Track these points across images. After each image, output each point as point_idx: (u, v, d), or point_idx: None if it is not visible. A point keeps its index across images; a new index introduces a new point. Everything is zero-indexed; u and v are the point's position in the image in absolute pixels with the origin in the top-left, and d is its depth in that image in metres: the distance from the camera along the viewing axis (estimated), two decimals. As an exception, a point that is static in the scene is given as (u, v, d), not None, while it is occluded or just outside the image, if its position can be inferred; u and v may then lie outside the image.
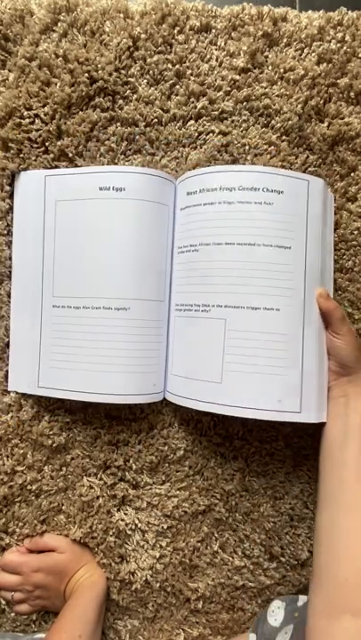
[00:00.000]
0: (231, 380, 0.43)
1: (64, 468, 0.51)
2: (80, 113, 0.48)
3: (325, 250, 0.46)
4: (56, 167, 0.48)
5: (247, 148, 0.49)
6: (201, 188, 0.45)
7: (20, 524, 0.51)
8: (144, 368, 0.46)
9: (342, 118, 0.50)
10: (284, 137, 0.50)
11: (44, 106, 0.48)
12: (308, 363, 0.43)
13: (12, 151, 0.48)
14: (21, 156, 0.48)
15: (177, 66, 0.48)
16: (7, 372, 0.49)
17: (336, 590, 0.34)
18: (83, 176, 0.46)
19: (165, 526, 0.51)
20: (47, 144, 0.48)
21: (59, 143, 0.48)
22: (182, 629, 0.54)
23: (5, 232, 0.49)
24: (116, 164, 0.49)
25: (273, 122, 0.49)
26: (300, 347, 0.43)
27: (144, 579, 0.51)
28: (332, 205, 0.48)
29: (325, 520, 0.39)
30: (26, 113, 0.48)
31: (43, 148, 0.48)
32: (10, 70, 0.48)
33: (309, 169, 0.50)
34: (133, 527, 0.51)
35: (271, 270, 0.43)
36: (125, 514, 0.51)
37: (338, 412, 0.42)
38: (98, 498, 0.51)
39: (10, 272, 0.49)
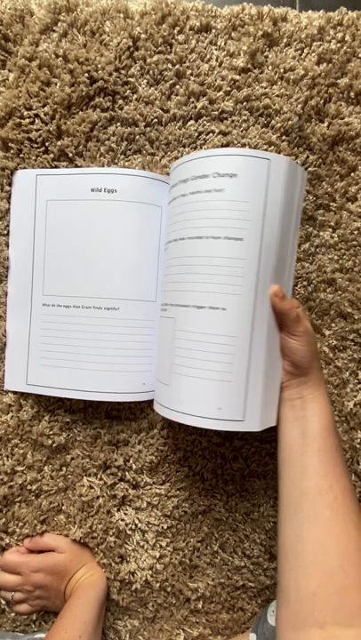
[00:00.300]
0: (175, 383, 0.41)
1: (64, 468, 0.51)
2: (80, 113, 0.48)
3: (286, 242, 0.40)
4: (56, 167, 0.48)
5: (247, 147, 0.49)
6: (172, 184, 0.44)
7: (20, 523, 0.51)
8: (133, 367, 0.46)
9: (342, 118, 0.50)
10: (284, 137, 0.50)
11: (44, 106, 0.48)
12: (256, 368, 0.39)
13: (11, 151, 0.48)
14: (21, 155, 0.48)
15: (177, 66, 0.48)
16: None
17: (303, 604, 0.33)
18: (75, 177, 0.47)
19: (165, 526, 0.51)
20: (47, 144, 0.48)
21: (59, 143, 0.48)
22: (182, 629, 0.54)
23: (5, 232, 0.49)
24: (116, 164, 0.49)
25: (273, 122, 0.49)
26: (246, 350, 0.39)
27: (144, 579, 0.51)
28: (302, 189, 0.42)
29: (289, 533, 0.37)
30: (26, 113, 0.48)
31: (43, 148, 0.48)
32: (10, 70, 0.48)
33: (309, 169, 0.50)
34: (133, 527, 0.51)
35: (217, 265, 0.39)
36: (125, 514, 0.51)
37: (295, 415, 0.40)
38: (98, 498, 0.51)
39: (8, 272, 0.49)
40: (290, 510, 0.37)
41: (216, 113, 0.49)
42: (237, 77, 0.49)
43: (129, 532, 0.51)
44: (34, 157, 0.48)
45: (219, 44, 0.49)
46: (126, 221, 0.46)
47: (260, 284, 0.39)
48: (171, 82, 0.49)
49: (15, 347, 0.49)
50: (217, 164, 0.38)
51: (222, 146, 0.49)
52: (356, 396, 0.52)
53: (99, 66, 0.47)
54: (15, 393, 0.49)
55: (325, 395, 0.41)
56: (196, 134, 0.49)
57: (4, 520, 0.50)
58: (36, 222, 0.48)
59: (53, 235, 0.47)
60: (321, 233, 0.52)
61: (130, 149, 0.49)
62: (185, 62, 0.49)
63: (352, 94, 0.50)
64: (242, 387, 0.39)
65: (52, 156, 0.48)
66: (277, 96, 0.49)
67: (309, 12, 0.51)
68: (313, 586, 0.33)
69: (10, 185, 0.49)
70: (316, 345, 0.42)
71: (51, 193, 0.47)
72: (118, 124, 0.49)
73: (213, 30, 0.49)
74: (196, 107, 0.49)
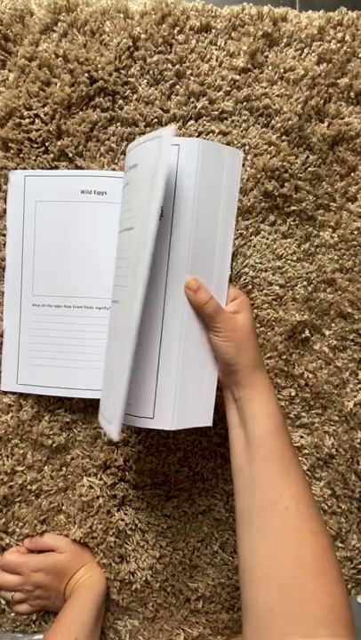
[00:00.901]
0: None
1: (64, 468, 0.51)
2: (80, 113, 0.48)
3: (210, 230, 0.38)
4: (56, 167, 0.48)
5: (247, 148, 0.49)
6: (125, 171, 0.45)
7: (20, 523, 0.51)
8: None
9: (342, 118, 0.50)
10: (284, 137, 0.50)
11: (44, 106, 0.48)
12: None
13: (11, 151, 0.48)
14: (21, 155, 0.48)
15: (177, 66, 0.48)
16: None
17: (262, 620, 0.32)
18: (64, 178, 0.47)
19: (165, 526, 0.51)
20: (47, 144, 0.48)
21: (59, 143, 0.48)
22: (182, 629, 0.54)
23: (4, 233, 0.49)
24: (116, 164, 0.49)
25: (273, 122, 0.49)
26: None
27: (144, 579, 0.51)
28: (234, 173, 0.39)
29: (243, 547, 0.35)
30: (26, 113, 0.48)
31: (43, 148, 0.48)
32: (10, 70, 0.48)
33: (309, 169, 0.50)
34: (133, 527, 0.51)
35: (121, 258, 0.39)
36: (125, 514, 0.51)
37: (234, 420, 0.38)
38: (98, 498, 0.51)
39: (4, 272, 0.49)
40: (243, 523, 0.36)
41: (216, 113, 0.49)
42: (237, 77, 0.49)
43: (129, 532, 0.51)
44: (34, 157, 0.48)
45: (219, 44, 0.49)
46: (116, 223, 0.46)
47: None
48: (171, 82, 0.49)
49: (8, 346, 0.49)
50: (134, 154, 0.39)
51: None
52: (356, 396, 0.52)
53: (99, 66, 0.47)
54: (14, 393, 0.49)
55: (267, 395, 0.38)
56: (196, 134, 0.49)
57: (3, 520, 0.50)
58: (25, 223, 0.48)
59: (42, 235, 0.48)
60: (321, 233, 0.52)
61: (130, 149, 0.49)
62: (185, 62, 0.49)
63: (352, 94, 0.50)
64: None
65: (51, 156, 0.48)
66: (277, 96, 0.49)
67: (309, 12, 0.51)
68: (270, 601, 0.32)
69: (7, 185, 0.49)
70: (251, 341, 0.38)
71: (39, 194, 0.48)
72: (118, 123, 0.49)
73: (213, 30, 0.49)
74: (196, 107, 0.49)
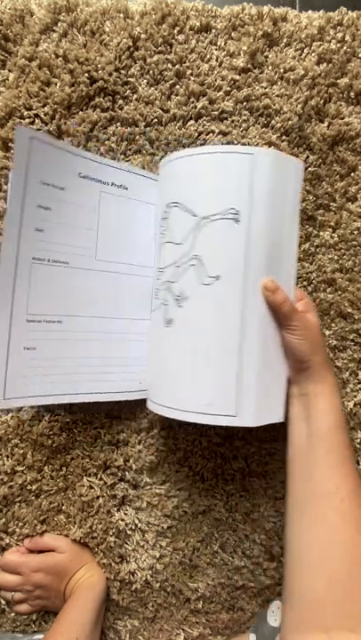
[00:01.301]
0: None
1: (64, 468, 0.51)
2: (80, 113, 0.48)
3: (279, 235, 0.40)
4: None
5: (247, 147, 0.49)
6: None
7: (20, 523, 0.51)
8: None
9: (342, 118, 0.50)
10: (284, 137, 0.50)
11: (44, 106, 0.48)
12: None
13: (11, 151, 0.48)
14: (21, 155, 0.48)
15: (177, 66, 0.48)
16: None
17: (307, 607, 0.32)
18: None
19: (165, 526, 0.51)
20: (47, 144, 0.48)
21: (59, 143, 0.48)
22: (182, 629, 0.54)
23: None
24: (116, 163, 0.49)
25: (273, 122, 0.49)
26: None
27: (144, 579, 0.51)
28: (297, 183, 0.41)
29: (294, 533, 0.36)
30: (26, 113, 0.48)
31: (43, 148, 0.48)
32: (10, 70, 0.48)
33: (309, 169, 0.50)
34: (133, 527, 0.51)
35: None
36: (125, 514, 0.51)
37: (299, 413, 0.39)
38: (98, 498, 0.51)
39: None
40: (296, 511, 0.37)
41: (216, 113, 0.49)
42: (237, 77, 0.49)
43: (129, 532, 0.51)
44: (34, 157, 0.48)
45: (219, 44, 0.49)
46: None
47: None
48: (171, 82, 0.49)
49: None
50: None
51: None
52: (356, 396, 0.52)
53: (99, 66, 0.47)
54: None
55: (333, 391, 0.40)
56: (196, 134, 0.49)
57: (4, 520, 0.50)
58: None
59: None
60: (321, 233, 0.52)
61: (130, 149, 0.49)
62: (185, 62, 0.49)
63: (352, 94, 0.50)
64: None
65: (52, 155, 0.48)
66: (277, 96, 0.49)
67: (309, 12, 0.51)
68: (318, 590, 0.32)
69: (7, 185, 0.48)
70: (321, 339, 0.41)
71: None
72: (118, 123, 0.49)
73: (213, 30, 0.49)
74: (196, 107, 0.49)
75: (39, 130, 0.48)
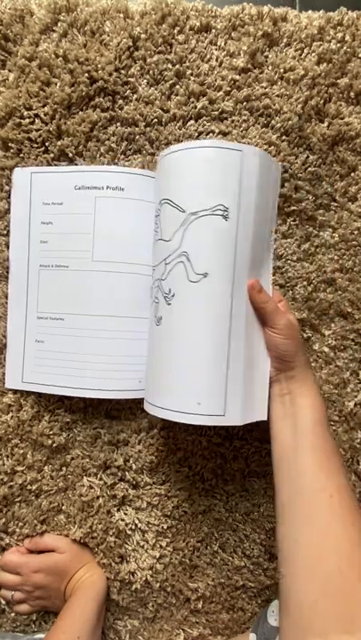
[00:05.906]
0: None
1: (64, 468, 0.51)
2: (80, 113, 0.48)
3: (262, 235, 0.40)
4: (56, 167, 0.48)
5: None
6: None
7: (20, 523, 0.51)
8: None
9: (342, 118, 0.50)
10: (284, 137, 0.50)
11: (44, 106, 0.48)
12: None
13: (11, 151, 0.48)
14: (21, 155, 0.48)
15: (177, 66, 0.48)
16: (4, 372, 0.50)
17: (304, 613, 0.31)
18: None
19: (165, 526, 0.51)
20: (47, 144, 0.48)
21: (59, 143, 0.48)
22: (182, 629, 0.54)
23: (5, 232, 0.49)
24: (115, 164, 0.49)
25: (273, 122, 0.49)
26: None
27: (144, 579, 0.51)
28: (275, 179, 0.41)
29: (285, 535, 0.35)
30: (26, 113, 0.48)
31: (43, 148, 0.48)
32: (10, 70, 0.48)
33: (309, 169, 0.50)
34: (133, 527, 0.51)
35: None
36: (125, 514, 0.51)
37: (284, 412, 0.40)
38: (98, 498, 0.51)
39: (7, 272, 0.49)
40: (285, 512, 0.37)
41: (216, 113, 0.49)
42: (237, 77, 0.49)
43: (129, 532, 0.51)
44: (34, 157, 0.48)
45: (219, 44, 0.49)
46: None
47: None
48: (171, 82, 0.49)
49: (13, 346, 0.49)
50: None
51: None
52: (356, 396, 0.52)
53: (99, 66, 0.47)
54: (15, 393, 0.49)
55: (315, 389, 0.40)
56: (196, 134, 0.49)
57: (4, 520, 0.50)
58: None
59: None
60: (321, 233, 0.52)
61: (130, 149, 0.49)
62: (185, 62, 0.49)
63: (352, 94, 0.50)
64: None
65: (52, 155, 0.48)
66: (277, 96, 0.49)
67: (309, 12, 0.51)
68: (313, 594, 0.32)
69: (9, 185, 0.49)
70: (300, 338, 0.41)
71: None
72: (118, 123, 0.49)
73: (213, 30, 0.49)
74: (196, 107, 0.49)
75: (38, 130, 0.48)
